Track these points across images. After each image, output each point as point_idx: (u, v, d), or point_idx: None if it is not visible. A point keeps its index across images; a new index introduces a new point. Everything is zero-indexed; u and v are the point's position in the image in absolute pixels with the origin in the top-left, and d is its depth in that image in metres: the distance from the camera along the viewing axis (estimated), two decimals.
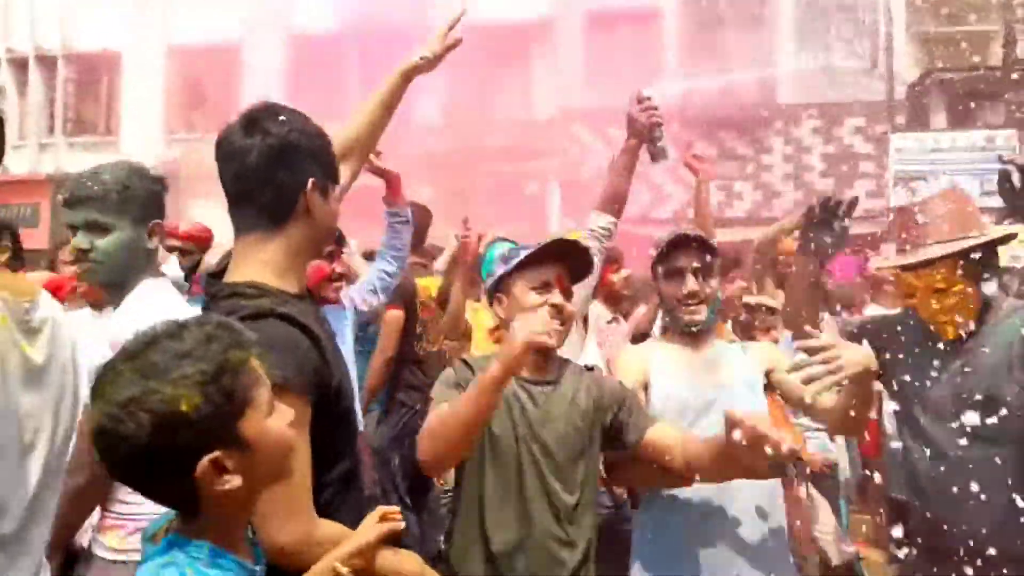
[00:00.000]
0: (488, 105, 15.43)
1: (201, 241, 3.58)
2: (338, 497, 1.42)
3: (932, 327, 1.97)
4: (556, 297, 1.85)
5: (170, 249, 3.48)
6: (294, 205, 1.45)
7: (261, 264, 1.43)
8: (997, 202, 12.78)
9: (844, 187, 14.33)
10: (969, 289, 1.90)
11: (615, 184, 2.46)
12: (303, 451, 1.31)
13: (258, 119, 1.47)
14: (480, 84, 15.31)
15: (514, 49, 15.13)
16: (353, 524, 1.39)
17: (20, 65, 17.19)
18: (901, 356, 2.01)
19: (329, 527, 1.36)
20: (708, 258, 2.16)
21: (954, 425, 1.86)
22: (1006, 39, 13.61)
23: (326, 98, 16.31)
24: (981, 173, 13.57)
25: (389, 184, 3.11)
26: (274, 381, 1.15)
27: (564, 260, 1.91)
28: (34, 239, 16.10)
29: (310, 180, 1.46)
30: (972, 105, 14.32)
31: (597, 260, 2.35)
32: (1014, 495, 1.77)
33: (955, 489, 1.84)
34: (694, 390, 2.10)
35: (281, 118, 1.47)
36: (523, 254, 1.89)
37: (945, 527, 1.86)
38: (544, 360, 1.88)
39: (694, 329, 2.16)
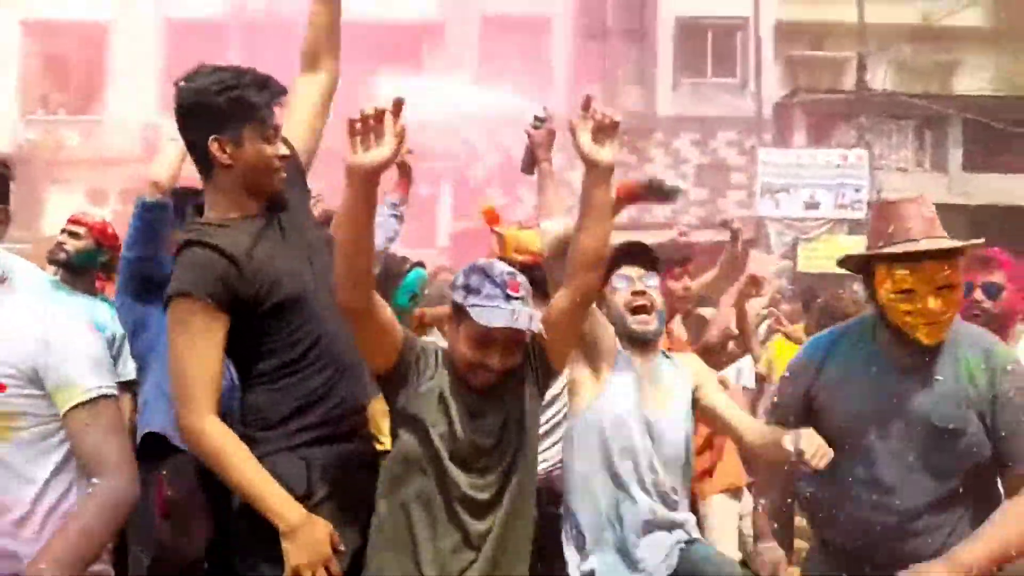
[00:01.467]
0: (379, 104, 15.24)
1: (94, 230, 3.18)
2: (294, 377, 1.69)
3: (905, 335, 1.80)
4: (492, 359, 1.74)
5: (61, 231, 3.16)
6: (208, 161, 1.69)
7: (208, 205, 1.75)
8: (849, 214, 13.96)
9: (717, 196, 15.26)
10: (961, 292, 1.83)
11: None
12: (199, 351, 1.61)
13: (175, 89, 1.72)
14: (372, 83, 15.11)
15: (406, 49, 15.02)
16: (321, 392, 1.70)
17: None
18: (852, 378, 1.90)
19: (224, 436, 1.61)
20: (655, 268, 2.19)
21: (908, 455, 1.80)
22: (859, 66, 14.93)
23: None
24: (836, 188, 14.86)
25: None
26: (177, 292, 1.60)
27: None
28: None
29: (210, 138, 1.66)
30: (829, 125, 15.61)
31: None
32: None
33: (897, 520, 1.80)
34: (637, 409, 2.06)
35: (183, 84, 1.70)
36: (472, 307, 1.72)
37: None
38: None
39: (644, 339, 2.13)
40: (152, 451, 2.27)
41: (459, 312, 1.77)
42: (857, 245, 14.79)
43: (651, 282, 2.16)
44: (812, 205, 14.65)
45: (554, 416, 2.43)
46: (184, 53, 15.58)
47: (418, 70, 15.21)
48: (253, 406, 1.70)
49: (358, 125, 1.55)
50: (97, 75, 15.49)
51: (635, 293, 2.13)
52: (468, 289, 1.76)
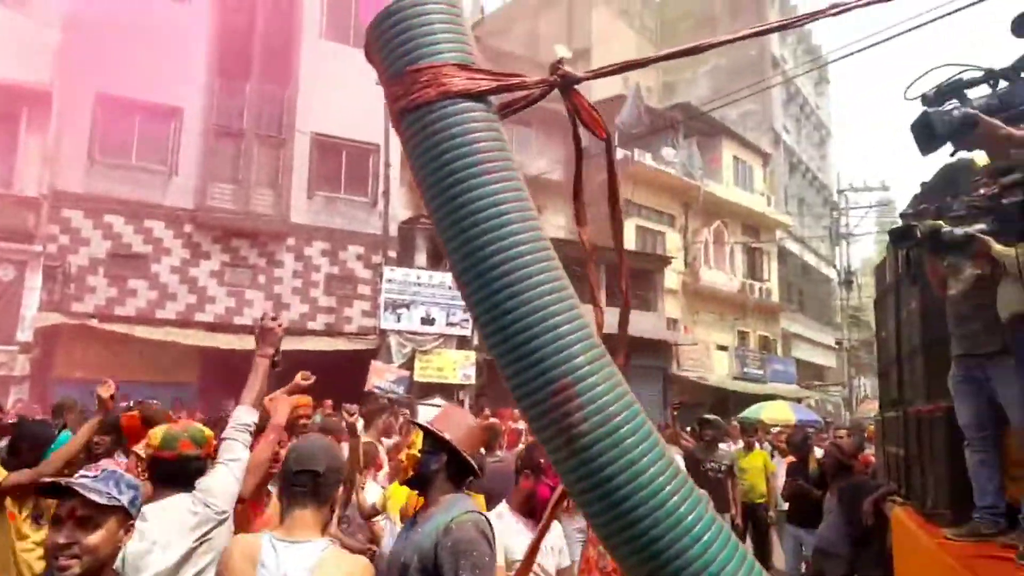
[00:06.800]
0: None
1: None
2: None
3: None
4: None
5: None
6: None
7: None
8: (458, 331, 15.71)
9: (344, 306, 15.82)
10: None
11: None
12: None
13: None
14: None
15: (4, 110, 12.86)
16: None
17: None
18: None
19: None
20: None
21: None
22: None
23: None
24: (447, 307, 16.61)
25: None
26: None
27: None
28: None
29: None
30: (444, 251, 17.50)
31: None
32: None
33: None
34: None
35: None
36: None
37: None
38: None
39: None
40: None
41: None
42: (463, 359, 16.64)
43: None
44: (428, 321, 16.13)
45: None
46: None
47: (15, 134, 13.07)
48: None
49: None
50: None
51: None
52: None
